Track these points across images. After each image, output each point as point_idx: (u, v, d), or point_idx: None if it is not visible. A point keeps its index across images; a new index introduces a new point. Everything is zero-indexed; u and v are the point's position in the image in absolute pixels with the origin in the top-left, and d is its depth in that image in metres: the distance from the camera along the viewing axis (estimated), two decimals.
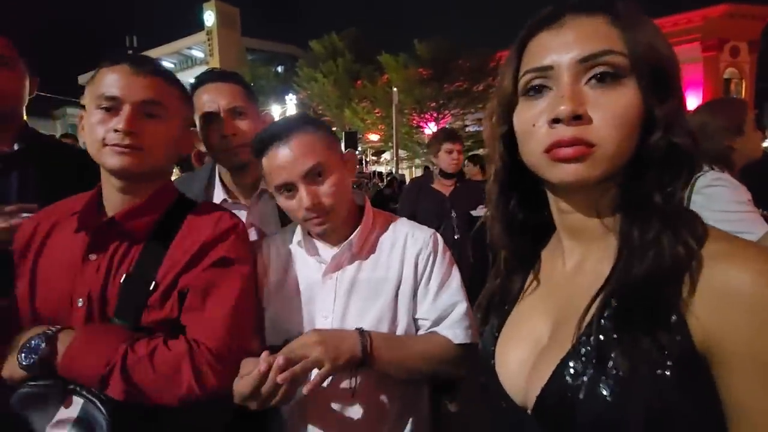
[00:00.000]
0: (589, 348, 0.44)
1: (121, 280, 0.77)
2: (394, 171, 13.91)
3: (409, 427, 0.90)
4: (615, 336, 0.42)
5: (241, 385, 0.72)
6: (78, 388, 0.69)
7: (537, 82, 0.47)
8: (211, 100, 1.10)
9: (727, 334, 0.38)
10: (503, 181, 0.56)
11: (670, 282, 0.41)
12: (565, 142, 0.44)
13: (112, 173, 0.79)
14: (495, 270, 0.64)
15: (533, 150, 0.47)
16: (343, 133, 14.75)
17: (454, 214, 2.51)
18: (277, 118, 1.12)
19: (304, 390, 0.72)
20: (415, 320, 0.91)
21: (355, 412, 0.86)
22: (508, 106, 0.51)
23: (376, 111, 18.87)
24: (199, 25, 28.10)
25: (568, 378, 0.44)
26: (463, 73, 17.36)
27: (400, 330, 0.89)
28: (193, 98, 1.15)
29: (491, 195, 0.58)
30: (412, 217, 1.31)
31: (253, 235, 1.12)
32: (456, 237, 2.49)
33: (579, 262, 0.53)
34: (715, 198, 1.30)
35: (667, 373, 0.39)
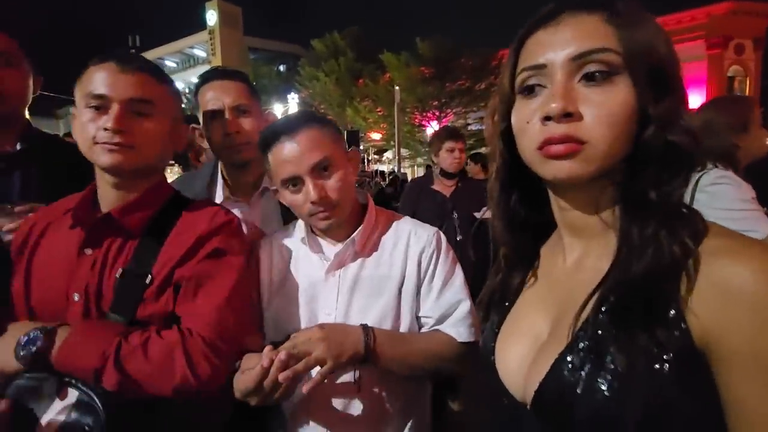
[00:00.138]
0: (587, 343, 0.44)
1: (117, 275, 0.78)
2: (396, 170, 13.91)
3: (411, 424, 0.90)
4: (613, 331, 0.43)
5: (243, 380, 0.72)
6: (74, 381, 0.69)
7: (532, 81, 0.48)
8: (215, 97, 1.11)
9: (727, 332, 0.38)
10: (504, 179, 0.57)
11: (668, 278, 0.41)
12: (555, 139, 0.44)
13: (104, 171, 0.80)
14: (496, 267, 0.64)
15: (527, 147, 0.48)
16: (345, 131, 14.75)
17: (455, 215, 2.44)
18: (279, 117, 1.12)
19: (304, 389, 0.73)
20: (418, 318, 0.91)
21: (358, 408, 0.86)
22: (507, 104, 0.52)
23: (378, 110, 18.88)
24: (202, 25, 28.14)
25: (566, 373, 0.44)
26: (465, 71, 17.34)
27: (403, 328, 0.89)
28: (197, 95, 1.16)
29: (493, 192, 0.59)
30: (412, 217, 1.31)
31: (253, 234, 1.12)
32: (458, 238, 2.40)
33: (579, 258, 0.53)
34: (719, 196, 1.30)
35: (666, 368, 0.39)
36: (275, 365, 0.70)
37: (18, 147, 1.15)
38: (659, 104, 0.44)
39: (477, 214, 2.43)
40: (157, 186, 0.87)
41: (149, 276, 0.78)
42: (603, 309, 0.44)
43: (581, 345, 0.44)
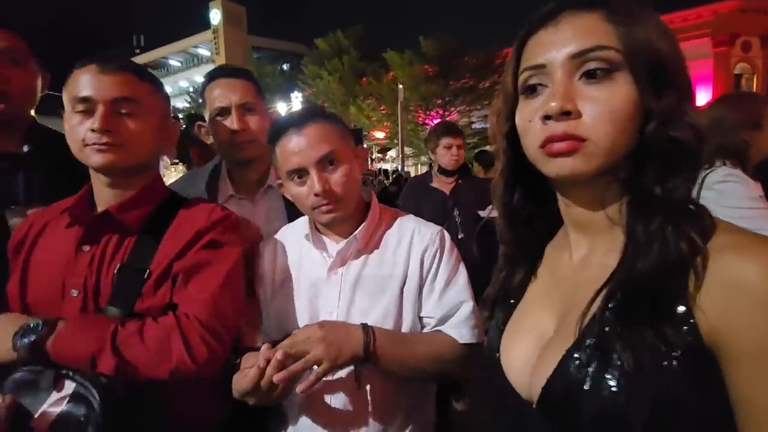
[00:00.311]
0: (594, 340, 0.44)
1: (115, 270, 0.79)
2: (399, 168, 13.90)
3: (414, 425, 0.90)
4: (620, 328, 0.42)
5: (241, 380, 0.72)
6: (71, 373, 0.70)
7: (533, 80, 0.48)
8: (222, 95, 1.12)
9: (735, 329, 0.38)
10: (508, 177, 0.57)
11: (676, 275, 0.41)
12: (556, 137, 0.45)
13: (97, 170, 0.82)
14: (500, 264, 0.64)
15: (530, 145, 0.49)
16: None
17: (456, 213, 2.36)
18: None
19: (298, 389, 0.72)
20: (420, 318, 0.90)
21: (359, 408, 0.85)
22: (510, 104, 0.53)
23: (382, 108, 18.86)
24: (206, 24, 28.22)
25: (572, 370, 0.44)
26: (468, 69, 17.29)
27: (405, 327, 0.88)
28: (204, 93, 1.16)
29: (497, 191, 0.59)
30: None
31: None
32: (460, 236, 2.31)
33: (586, 254, 0.53)
34: (727, 194, 1.28)
35: (674, 364, 0.39)
36: (272, 365, 0.70)
37: (25, 149, 1.14)
38: (661, 100, 0.44)
39: (482, 213, 2.35)
40: (152, 183, 0.88)
41: (147, 271, 0.79)
42: (610, 306, 0.44)
43: (588, 342, 0.44)
